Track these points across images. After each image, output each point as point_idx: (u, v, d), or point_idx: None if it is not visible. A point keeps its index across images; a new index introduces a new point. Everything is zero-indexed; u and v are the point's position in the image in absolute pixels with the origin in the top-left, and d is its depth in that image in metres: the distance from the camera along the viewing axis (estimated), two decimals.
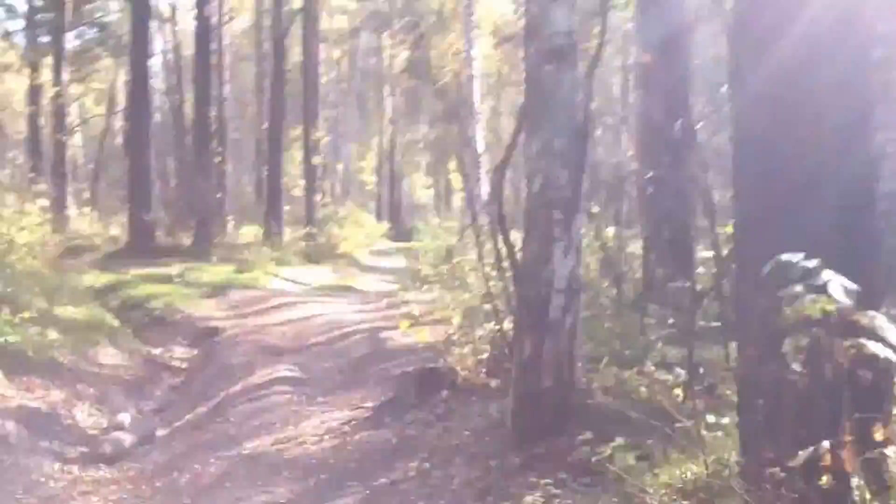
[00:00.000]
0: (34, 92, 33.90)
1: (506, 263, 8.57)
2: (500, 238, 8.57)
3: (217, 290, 19.35)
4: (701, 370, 7.39)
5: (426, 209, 71.59)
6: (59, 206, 29.44)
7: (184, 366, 14.05)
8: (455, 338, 10.47)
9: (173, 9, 41.95)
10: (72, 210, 32.00)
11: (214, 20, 31.24)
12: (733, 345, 5.64)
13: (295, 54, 43.06)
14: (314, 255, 28.04)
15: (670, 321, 10.72)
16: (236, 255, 25.58)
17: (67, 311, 14.38)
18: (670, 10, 12.51)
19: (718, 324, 8.05)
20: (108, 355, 13.02)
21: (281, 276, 23.26)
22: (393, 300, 18.56)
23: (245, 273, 22.01)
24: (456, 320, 10.92)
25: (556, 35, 7.30)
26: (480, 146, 25.44)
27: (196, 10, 29.93)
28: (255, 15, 48.25)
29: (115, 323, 15.28)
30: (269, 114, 32.85)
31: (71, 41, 46.26)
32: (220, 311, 17.34)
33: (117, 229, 28.09)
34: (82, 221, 31.09)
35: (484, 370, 9.11)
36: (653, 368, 7.13)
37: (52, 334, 12.43)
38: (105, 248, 25.72)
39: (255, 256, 25.36)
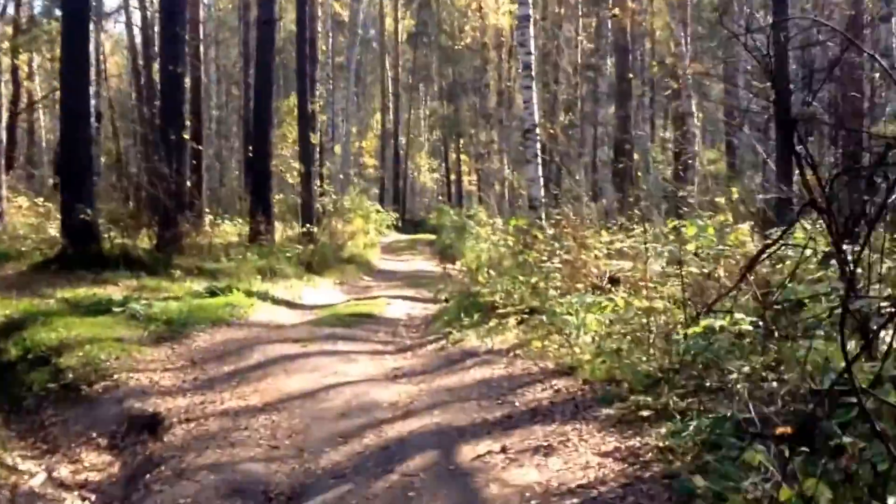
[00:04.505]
0: None
1: None
2: None
3: (173, 330, 12.67)
4: None
5: (431, 194, 65.53)
6: None
7: None
8: None
9: None
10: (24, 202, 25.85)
11: None
12: None
13: (288, 21, 36.67)
14: (314, 262, 21.39)
15: None
16: (210, 263, 18.91)
17: None
18: None
19: None
20: None
21: (270, 296, 16.61)
22: (445, 345, 12.02)
23: (219, 297, 15.31)
24: None
25: None
26: (535, 114, 18.72)
27: None
28: None
29: None
30: (256, 76, 25.92)
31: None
32: (171, 373, 10.60)
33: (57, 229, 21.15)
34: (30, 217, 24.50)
35: None
36: None
37: None
38: (36, 255, 18.79)
39: (236, 265, 18.72)
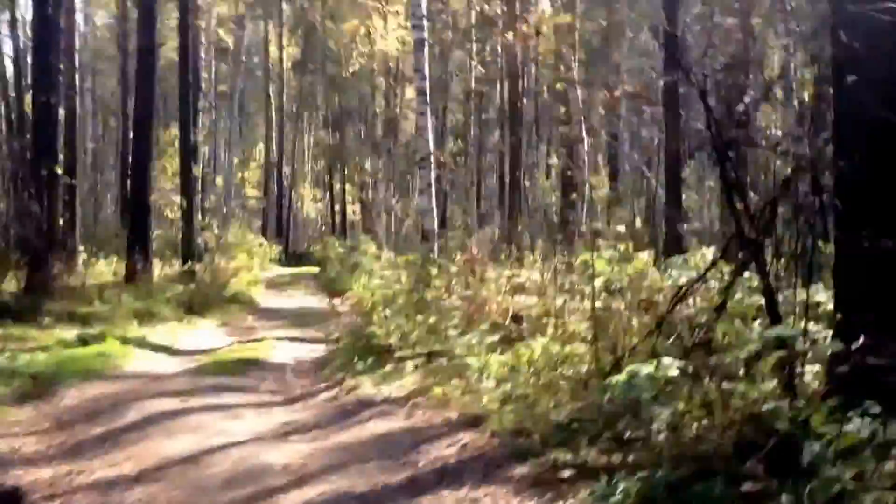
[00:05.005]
0: None
1: None
2: None
3: (39, 386, 11.58)
4: None
5: (315, 225, 64.59)
6: None
7: None
8: None
9: None
10: None
11: None
12: None
13: (168, 49, 35.52)
14: (196, 303, 20.35)
15: None
16: (83, 307, 17.77)
17: None
18: None
19: None
20: None
21: (147, 343, 15.58)
22: (338, 393, 11.23)
23: (91, 345, 14.26)
24: None
25: None
26: (430, 142, 18.12)
27: None
28: (118, 6, 40.39)
29: None
30: (136, 106, 24.79)
31: None
32: (36, 437, 9.52)
33: None
34: None
35: None
36: None
37: None
38: None
39: (111, 309, 17.63)
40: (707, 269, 7.85)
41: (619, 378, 6.77)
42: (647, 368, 6.73)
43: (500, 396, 8.94)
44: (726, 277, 8.26)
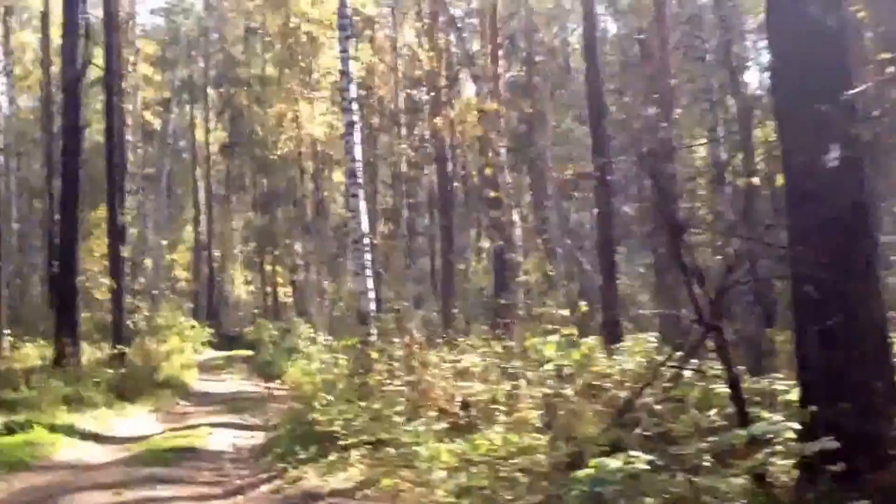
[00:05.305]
0: None
1: None
2: None
3: None
4: None
5: (246, 307, 63.76)
6: None
7: None
8: None
9: None
10: None
11: None
12: None
13: (94, 131, 35.11)
14: (127, 387, 19.74)
15: None
16: (10, 392, 17.16)
17: None
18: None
19: None
20: None
21: (77, 430, 14.94)
22: (281, 484, 10.80)
23: (17, 434, 13.65)
24: None
25: None
26: (364, 224, 17.89)
27: None
28: (43, 89, 39.86)
29: None
30: (62, 187, 24.26)
31: None
32: None
33: None
34: None
35: None
36: None
37: None
38: None
39: (38, 394, 16.99)
40: (669, 356, 7.67)
41: (587, 472, 6.50)
42: (614, 462, 6.47)
43: (455, 489, 8.59)
44: (674, 364, 8.09)
